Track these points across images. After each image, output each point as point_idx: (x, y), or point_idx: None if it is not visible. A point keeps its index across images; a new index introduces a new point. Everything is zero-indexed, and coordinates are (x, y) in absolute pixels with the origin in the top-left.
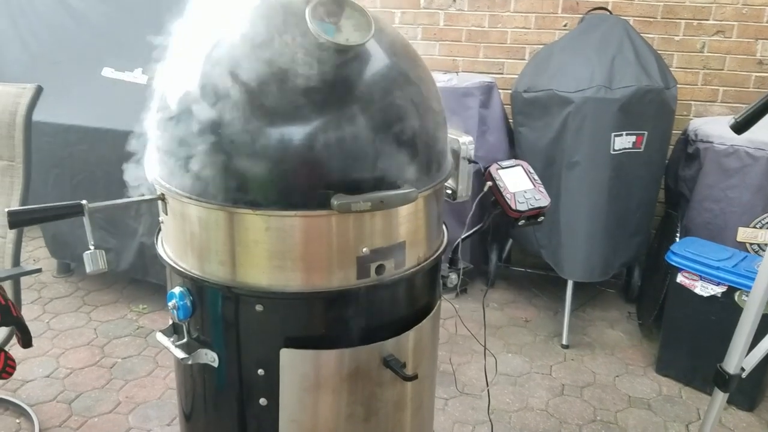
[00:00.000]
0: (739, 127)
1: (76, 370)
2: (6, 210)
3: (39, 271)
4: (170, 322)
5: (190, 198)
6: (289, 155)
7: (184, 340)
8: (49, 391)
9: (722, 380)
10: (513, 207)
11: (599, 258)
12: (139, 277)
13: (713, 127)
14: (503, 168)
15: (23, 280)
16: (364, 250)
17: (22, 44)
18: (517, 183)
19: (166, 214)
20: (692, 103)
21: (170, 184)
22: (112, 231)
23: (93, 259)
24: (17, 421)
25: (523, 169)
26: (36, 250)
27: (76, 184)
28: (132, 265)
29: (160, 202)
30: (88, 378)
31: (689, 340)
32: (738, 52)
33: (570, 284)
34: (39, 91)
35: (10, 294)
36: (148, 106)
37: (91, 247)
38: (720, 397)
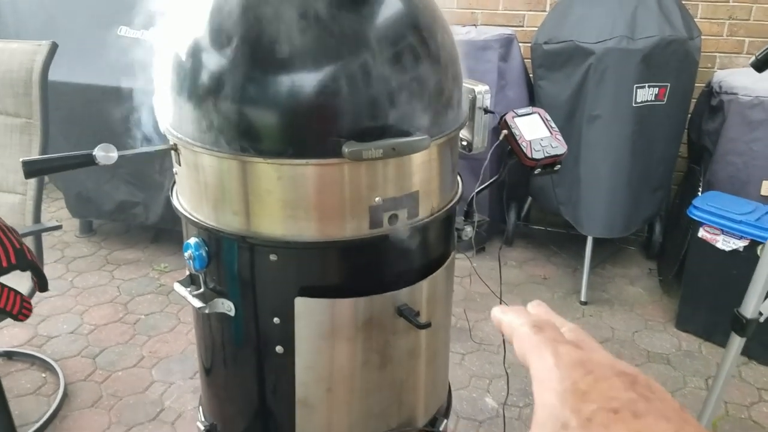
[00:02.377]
0: (760, 65)
1: (99, 326)
2: (21, 159)
3: (59, 227)
4: (187, 273)
5: (203, 148)
6: (300, 103)
7: (201, 290)
8: (73, 347)
9: (739, 325)
10: (529, 155)
11: (620, 214)
12: (169, 227)
13: (738, 78)
14: (519, 116)
15: (46, 240)
16: (377, 199)
17: (38, 3)
18: (534, 131)
19: (180, 165)
20: (717, 54)
21: (182, 133)
22: (140, 186)
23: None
24: (43, 375)
25: (540, 116)
26: (58, 211)
27: (98, 142)
28: (161, 217)
29: (173, 152)
30: (111, 334)
31: (710, 295)
32: (765, 1)
33: (590, 241)
34: (54, 47)
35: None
36: (159, 56)
37: None
38: (737, 342)
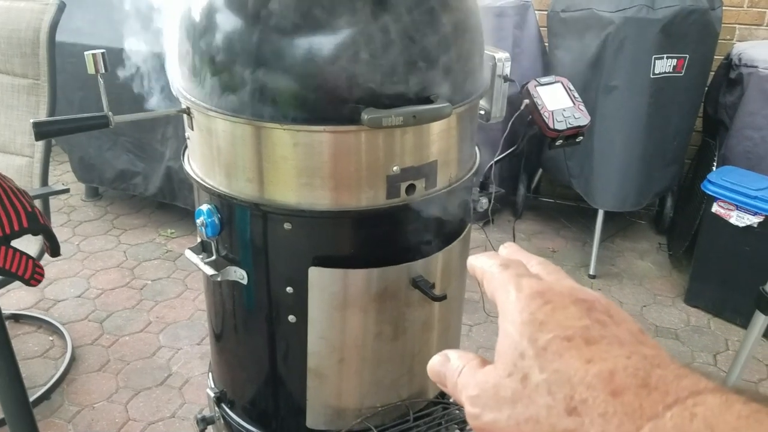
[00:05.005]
0: None
1: (106, 291)
2: (31, 120)
3: (67, 191)
4: (198, 240)
5: (216, 112)
6: (318, 67)
7: (213, 257)
8: (80, 311)
9: (764, 303)
10: (551, 126)
11: (633, 187)
12: (167, 201)
13: (759, 51)
14: (542, 85)
15: (53, 203)
16: (395, 168)
17: None
18: (556, 100)
19: (192, 129)
20: (736, 26)
21: (195, 97)
22: (140, 155)
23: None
24: (50, 338)
25: (563, 85)
26: (64, 174)
27: (102, 107)
28: (160, 189)
29: (185, 116)
30: (118, 298)
31: (721, 271)
32: None
33: (600, 214)
34: (62, 7)
35: None
36: (172, 16)
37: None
38: (761, 320)
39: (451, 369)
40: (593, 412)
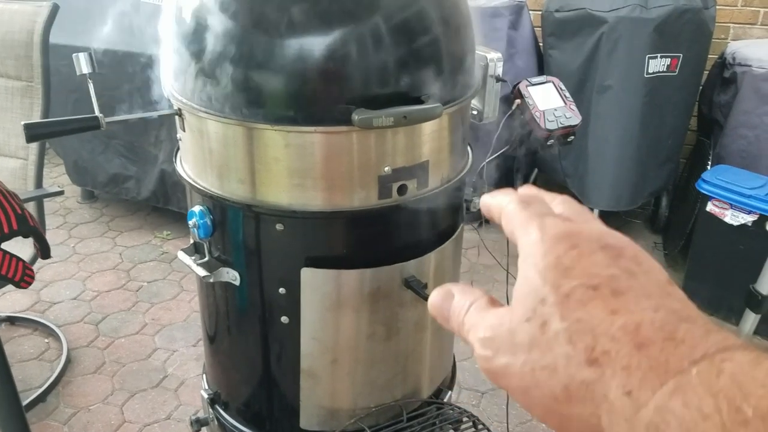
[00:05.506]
0: None
1: (102, 293)
2: (22, 123)
3: (61, 192)
4: (191, 241)
5: (208, 113)
6: (309, 68)
7: (206, 258)
8: (76, 313)
9: (755, 301)
10: (542, 126)
11: (627, 186)
12: (160, 205)
13: (752, 50)
14: (533, 85)
15: (48, 205)
16: (386, 169)
17: None
18: (548, 100)
19: (184, 131)
20: (730, 25)
21: (187, 98)
22: (133, 159)
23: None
24: (46, 340)
25: (554, 85)
26: (60, 177)
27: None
28: (153, 193)
29: (177, 117)
30: (114, 300)
31: (716, 270)
32: None
33: (595, 213)
34: (55, 9)
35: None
36: (164, 18)
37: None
38: (751, 318)
39: (456, 306)
40: (616, 365)
